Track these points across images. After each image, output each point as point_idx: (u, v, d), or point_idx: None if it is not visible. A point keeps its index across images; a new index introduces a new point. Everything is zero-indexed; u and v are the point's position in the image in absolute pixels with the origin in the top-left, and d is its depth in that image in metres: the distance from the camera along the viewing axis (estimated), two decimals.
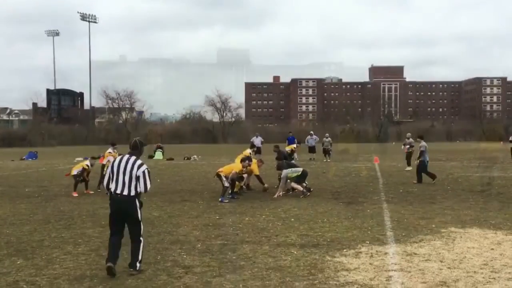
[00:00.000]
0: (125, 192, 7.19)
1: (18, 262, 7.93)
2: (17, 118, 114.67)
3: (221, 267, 7.51)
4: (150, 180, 7.32)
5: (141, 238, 7.30)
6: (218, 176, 15.12)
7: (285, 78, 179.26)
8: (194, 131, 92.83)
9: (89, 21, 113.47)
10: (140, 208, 7.30)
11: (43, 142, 76.08)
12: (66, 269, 7.52)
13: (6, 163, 35.03)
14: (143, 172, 7.24)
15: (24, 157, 40.64)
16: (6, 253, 8.56)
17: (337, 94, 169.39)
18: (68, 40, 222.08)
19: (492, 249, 8.49)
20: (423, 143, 19.57)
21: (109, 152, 18.24)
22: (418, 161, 19.35)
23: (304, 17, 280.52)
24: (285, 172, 15.59)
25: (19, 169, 29.23)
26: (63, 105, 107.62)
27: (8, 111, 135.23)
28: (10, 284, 6.79)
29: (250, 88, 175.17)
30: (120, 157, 7.45)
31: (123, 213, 7.24)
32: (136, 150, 7.46)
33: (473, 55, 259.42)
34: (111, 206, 7.33)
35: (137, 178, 7.19)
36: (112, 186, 7.28)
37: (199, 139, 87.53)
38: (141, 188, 7.24)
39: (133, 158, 7.35)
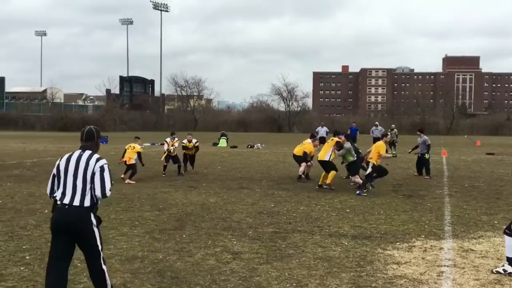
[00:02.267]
0: (76, 202, 5.08)
1: None
2: (91, 104, 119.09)
3: (269, 255, 7.51)
4: (111, 180, 5.13)
5: (103, 267, 5.18)
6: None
7: (354, 68, 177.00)
8: (260, 119, 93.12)
9: (161, 10, 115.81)
10: (97, 226, 5.19)
11: (115, 127, 78.69)
12: (120, 249, 7.76)
13: (78, 147, 36.45)
14: (101, 167, 5.16)
15: None
16: None
17: (408, 84, 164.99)
18: (141, 29, 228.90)
19: None
20: (425, 137, 18.83)
21: (166, 141, 18.55)
22: (420, 155, 18.65)
23: (375, 6, 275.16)
24: (347, 146, 15.07)
25: None
26: (134, 92, 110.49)
27: (84, 96, 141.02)
28: None
29: (318, 77, 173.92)
30: (68, 154, 5.38)
31: (72, 232, 5.07)
32: (91, 141, 5.42)
33: None
34: (54, 222, 5.13)
35: (93, 177, 5.12)
36: (58, 194, 5.17)
37: (264, 127, 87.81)
38: (96, 191, 5.09)
39: (88, 152, 5.29)
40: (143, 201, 12.43)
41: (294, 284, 6.22)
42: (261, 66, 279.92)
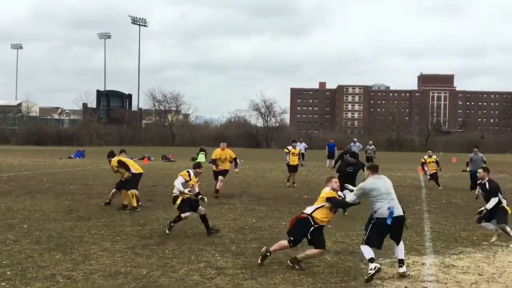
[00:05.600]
0: None
1: (57, 257, 8.13)
2: (67, 118, 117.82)
3: (254, 270, 7.50)
4: None
5: None
6: None
7: (331, 85, 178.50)
8: (238, 135, 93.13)
9: (139, 25, 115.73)
10: None
11: (91, 142, 77.91)
12: (102, 265, 7.66)
13: (54, 161, 36.04)
14: None
15: (72, 156, 41.71)
16: (46, 247, 8.79)
17: (384, 102, 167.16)
18: (120, 44, 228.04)
19: None
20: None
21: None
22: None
23: (352, 26, 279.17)
24: None
25: (66, 167, 30.03)
26: (111, 106, 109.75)
27: (60, 110, 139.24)
28: (47, 277, 6.96)
29: (296, 93, 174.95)
30: None
31: None
32: None
33: None
34: None
35: None
36: None
37: (242, 143, 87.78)
38: None
39: None
40: (123, 216, 12.30)
41: None
42: (240, 82, 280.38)
